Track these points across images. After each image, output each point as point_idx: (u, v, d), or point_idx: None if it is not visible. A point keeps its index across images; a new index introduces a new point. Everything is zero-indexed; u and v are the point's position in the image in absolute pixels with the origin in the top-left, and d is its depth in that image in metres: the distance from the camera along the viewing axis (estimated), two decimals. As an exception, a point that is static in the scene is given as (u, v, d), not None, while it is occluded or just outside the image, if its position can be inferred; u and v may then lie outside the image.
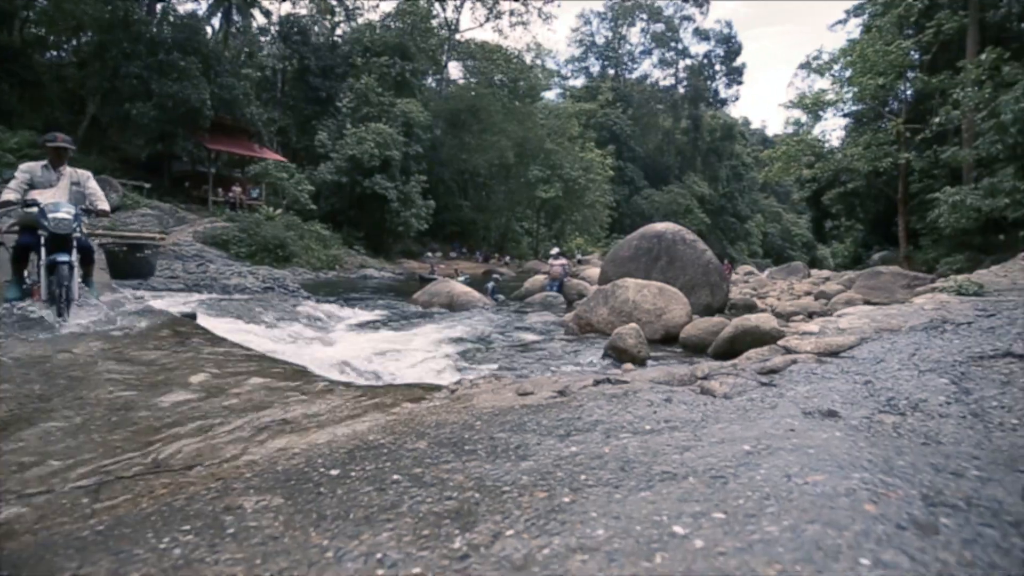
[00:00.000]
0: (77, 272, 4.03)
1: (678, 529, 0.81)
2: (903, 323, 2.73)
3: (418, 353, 5.56)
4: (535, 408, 1.94)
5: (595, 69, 52.37)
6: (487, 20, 36.59)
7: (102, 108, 20.68)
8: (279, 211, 20.99)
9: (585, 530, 0.83)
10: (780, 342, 2.87)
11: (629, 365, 4.29)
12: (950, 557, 0.70)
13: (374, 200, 25.08)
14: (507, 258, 33.73)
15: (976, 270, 10.90)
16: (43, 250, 3.88)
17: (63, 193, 4.18)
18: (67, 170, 4.33)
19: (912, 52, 17.05)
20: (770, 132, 58.40)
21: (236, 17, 26.85)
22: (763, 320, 6.21)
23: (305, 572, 0.77)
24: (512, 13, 36.10)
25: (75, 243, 4.02)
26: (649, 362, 4.79)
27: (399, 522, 0.93)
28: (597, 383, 2.38)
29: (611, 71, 51.40)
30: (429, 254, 29.62)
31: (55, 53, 23.63)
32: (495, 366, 4.78)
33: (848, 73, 17.78)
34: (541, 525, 0.86)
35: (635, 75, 51.40)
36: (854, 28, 21.14)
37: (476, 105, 32.32)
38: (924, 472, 0.99)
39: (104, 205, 4.37)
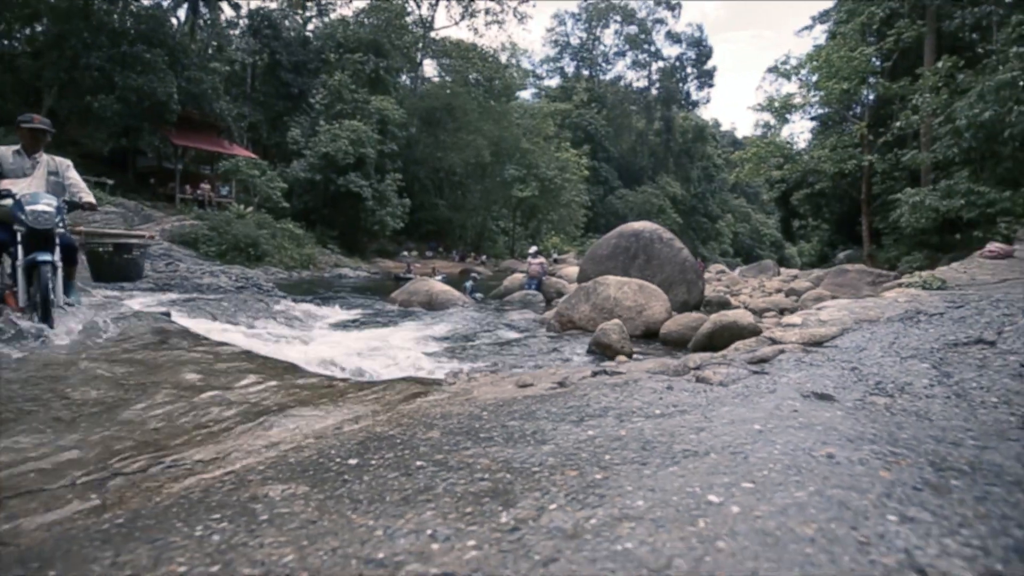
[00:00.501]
0: (60, 273, 3.54)
1: (713, 498, 0.86)
2: (880, 314, 2.87)
3: (403, 351, 5.53)
4: (540, 398, 1.98)
5: (570, 69, 52.80)
6: (462, 18, 36.49)
7: (60, 100, 19.79)
8: (250, 209, 20.50)
9: (625, 501, 0.87)
10: (766, 333, 2.98)
11: (623, 357, 4.37)
12: (967, 511, 0.76)
13: (348, 198, 24.73)
14: (483, 257, 33.70)
15: (935, 267, 11.48)
16: (19, 249, 3.37)
17: (39, 183, 3.65)
18: (43, 157, 3.78)
19: (874, 59, 17.75)
20: (740, 134, 59.92)
21: (203, 9, 26.08)
22: (740, 316, 6.41)
23: (359, 549, 0.79)
24: (487, 12, 36.10)
25: (57, 240, 3.53)
26: (633, 357, 4.88)
27: (439, 502, 0.96)
28: (595, 374, 2.43)
29: (585, 72, 51.89)
30: (405, 253, 29.36)
31: (6, 42, 22.49)
32: (483, 362, 4.80)
33: (815, 78, 18.41)
34: (581, 499, 0.90)
35: (609, 76, 52.05)
36: (820, 34, 21.95)
37: (452, 103, 32.19)
38: (926, 443, 1.07)
39: (89, 197, 3.87)
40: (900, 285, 5.78)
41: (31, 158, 3.72)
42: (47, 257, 3.36)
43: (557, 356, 5.66)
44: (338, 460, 1.45)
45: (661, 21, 49.15)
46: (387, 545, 0.79)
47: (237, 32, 30.51)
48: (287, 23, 31.35)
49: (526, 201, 35.46)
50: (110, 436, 1.91)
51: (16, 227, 3.38)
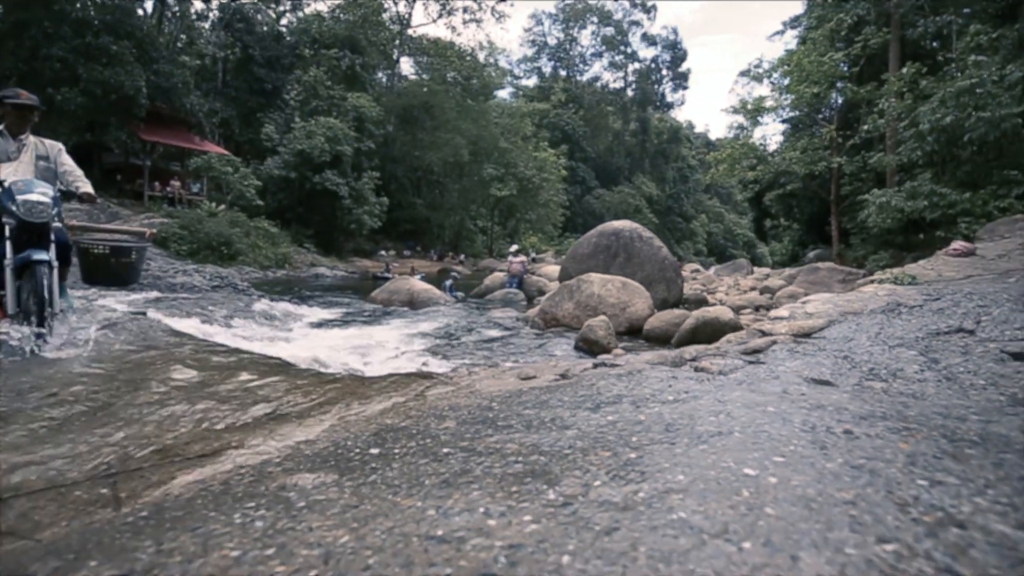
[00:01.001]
0: (56, 275, 3.07)
1: (749, 471, 0.90)
2: (864, 307, 2.99)
3: (391, 348, 5.50)
4: (547, 389, 2.01)
5: (547, 69, 53.05)
6: (440, 16, 36.29)
7: (19, 93, 18.91)
8: (222, 207, 20.00)
9: (666, 476, 0.90)
10: (755, 326, 3.08)
11: (619, 350, 4.44)
12: (988, 475, 0.82)
13: (324, 197, 24.35)
14: (462, 257, 33.62)
15: (900, 265, 11.96)
16: (8, 245, 2.89)
17: (27, 169, 3.17)
18: (31, 139, 3.29)
19: (842, 64, 18.36)
20: (713, 136, 61.15)
21: (171, 0, 25.30)
22: (722, 312, 6.57)
23: (415, 528, 0.80)
24: (465, 10, 35.96)
25: (52, 237, 3.08)
26: (618, 352, 4.96)
27: (481, 483, 0.97)
28: (596, 366, 2.48)
29: (563, 72, 52.22)
30: (383, 252, 29.07)
31: (-40, 31, 21.38)
32: (473, 358, 4.80)
33: (786, 81, 18.95)
34: (623, 476, 0.93)
35: (586, 77, 52.52)
36: (791, 39, 22.58)
37: (430, 102, 32.00)
38: (934, 419, 1.14)
39: (87, 188, 3.40)
40: (873, 281, 6.02)
41: (16, 140, 3.22)
42: (43, 256, 2.93)
43: (544, 352, 5.70)
44: (357, 450, 1.45)
45: (637, 23, 49.88)
46: (443, 523, 0.80)
47: (207, 25, 29.71)
48: (259, 17, 30.65)
49: (504, 200, 35.52)
50: (110, 435, 1.87)
51: (4, 220, 2.92)
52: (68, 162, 3.43)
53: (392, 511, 0.89)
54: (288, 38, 31.05)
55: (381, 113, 29.43)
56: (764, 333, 2.86)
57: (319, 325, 7.70)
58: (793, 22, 22.57)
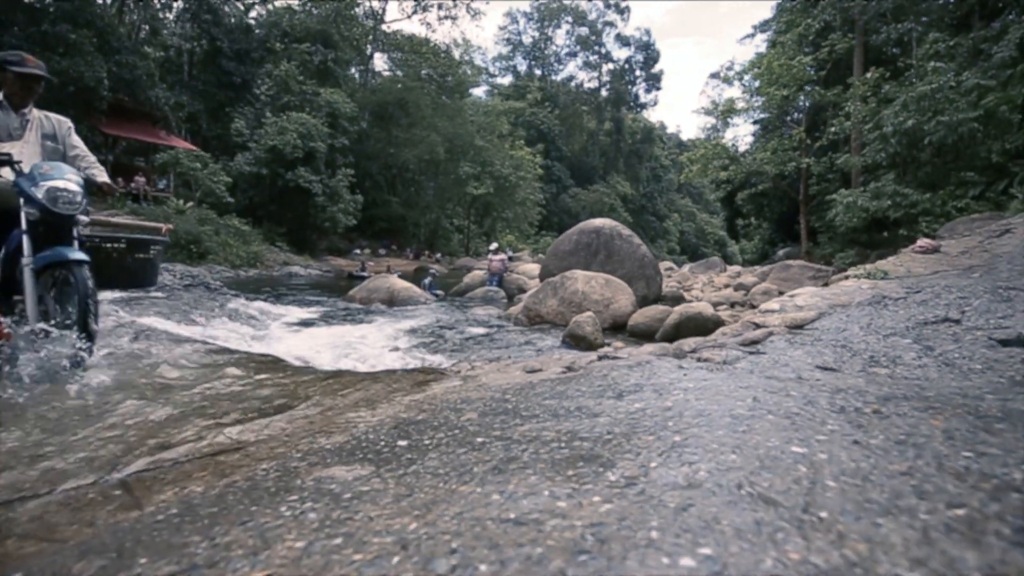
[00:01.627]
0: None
1: (797, 449, 0.93)
2: (851, 300, 3.11)
3: (379, 346, 5.43)
4: (560, 380, 2.02)
5: (522, 68, 53.14)
6: (415, 12, 35.92)
7: (-31, 82, 17.92)
8: (191, 204, 19.37)
9: (720, 457, 0.92)
10: (748, 318, 3.16)
11: (619, 343, 4.49)
12: (1019, 445, 0.87)
13: (297, 194, 23.85)
14: (438, 255, 33.42)
15: (865, 263, 12.44)
16: (26, 242, 2.40)
17: (34, 151, 2.73)
18: (35, 114, 2.81)
19: (809, 68, 18.96)
20: (684, 136, 62.33)
21: (134, -11, 24.35)
22: (703, 308, 6.72)
23: (485, 512, 0.79)
24: (440, 7, 35.69)
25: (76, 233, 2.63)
26: (618, 345, 5.01)
27: (534, 468, 0.97)
28: (601, 358, 2.50)
29: (538, 71, 52.39)
30: (357, 251, 28.64)
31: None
32: (464, 355, 4.78)
33: (757, 84, 19.47)
34: (676, 457, 0.95)
35: (561, 76, 52.82)
36: (761, 43, 23.19)
37: (404, 98, 31.68)
38: (954, 399, 1.20)
39: (104, 176, 2.96)
40: (848, 276, 6.26)
41: (19, 114, 2.73)
42: (79, 255, 2.43)
43: (533, 348, 5.73)
44: (383, 443, 1.44)
45: (611, 24, 50.42)
46: (512, 507, 0.80)
47: (172, 15, 28.70)
48: (227, 9, 29.76)
49: (481, 199, 35.45)
50: (112, 435, 1.80)
51: (26, 211, 2.40)
52: (79, 144, 2.95)
53: (452, 498, 0.88)
54: (258, 31, 30.25)
55: (355, 109, 28.99)
56: (758, 325, 2.94)
57: (301, 324, 7.55)
58: (763, 26, 23.20)
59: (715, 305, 10.20)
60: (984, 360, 1.72)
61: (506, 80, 52.19)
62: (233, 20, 29.48)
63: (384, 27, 36.40)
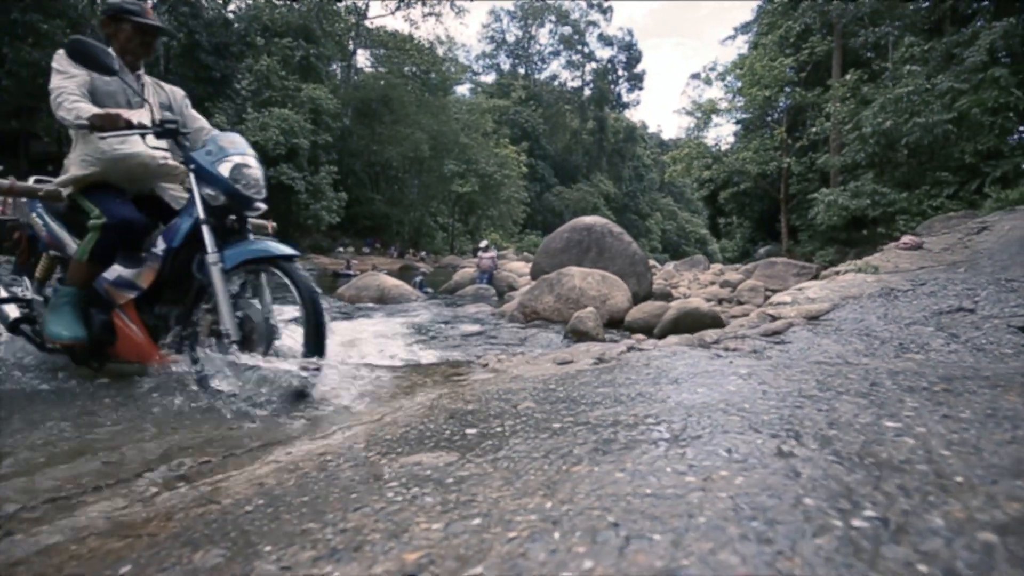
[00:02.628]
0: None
1: (891, 424, 0.97)
2: (860, 292, 3.21)
3: (382, 342, 5.38)
4: (601, 371, 2.04)
5: (506, 66, 53.16)
6: (398, 8, 35.58)
7: (-67, 73, 17.24)
8: (171, 201, 18.87)
9: (821, 433, 0.95)
10: (762, 310, 3.23)
11: (641, 336, 4.54)
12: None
13: (279, 191, 23.47)
14: (423, 254, 33.22)
15: (844, 260, 12.83)
16: (207, 235, 1.91)
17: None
18: (148, 80, 2.37)
19: (790, 69, 19.39)
20: (666, 136, 63.08)
21: (108, -21, 23.56)
22: (699, 303, 6.83)
23: (617, 489, 0.80)
24: (424, 3, 35.44)
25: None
26: (640, 337, 5.06)
27: (638, 448, 0.99)
28: (630, 350, 2.53)
29: (521, 70, 52.47)
30: (341, 249, 28.31)
31: None
32: (469, 351, 4.78)
33: (739, 84, 19.84)
34: (779, 434, 0.98)
35: (544, 75, 52.98)
36: (742, 44, 23.62)
37: (388, 95, 31.41)
38: (1016, 378, 1.26)
39: None
40: (839, 273, 6.46)
41: (134, 75, 2.28)
42: (287, 249, 2.00)
43: (534, 344, 5.75)
44: (449, 431, 1.44)
45: (594, 23, 50.75)
46: (644, 483, 0.81)
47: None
48: (205, 2, 29.06)
49: (465, 197, 35.35)
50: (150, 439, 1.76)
51: (207, 192, 1.96)
52: (200, 118, 2.51)
53: (571, 478, 0.89)
54: (237, 25, 29.63)
55: (338, 106, 28.62)
56: (774, 317, 3.02)
57: (290, 322, 7.43)
58: (744, 28, 23.63)
59: (705, 301, 10.39)
60: (1012, 345, 1.81)
61: (490, 78, 52.19)
62: (212, 13, 28.81)
63: (367, 23, 36.01)
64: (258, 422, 1.74)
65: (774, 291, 10.83)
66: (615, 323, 7.44)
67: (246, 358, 1.88)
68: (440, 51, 37.48)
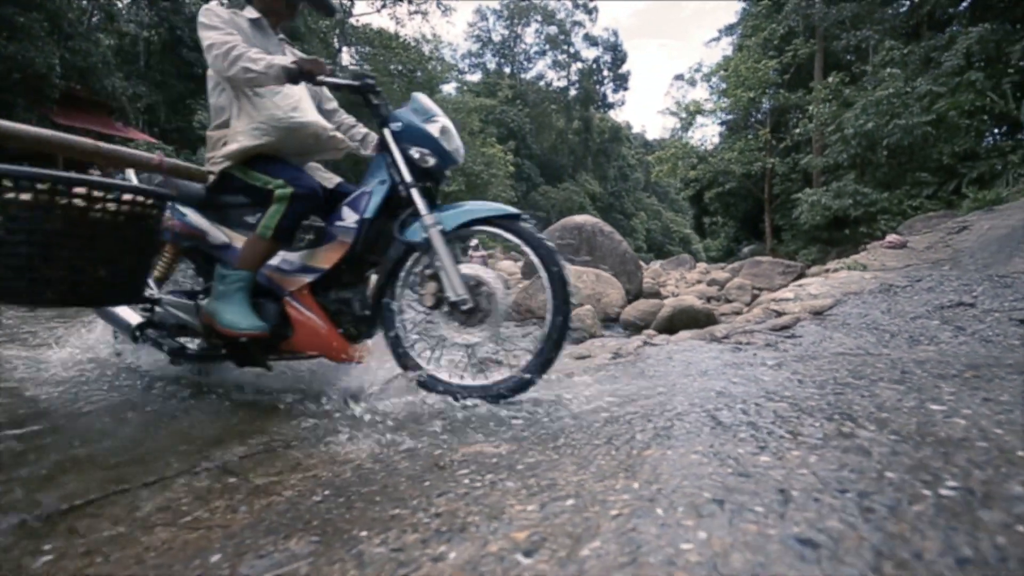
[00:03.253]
0: None
1: (937, 407, 1.03)
2: (860, 288, 3.31)
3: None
4: (622, 365, 2.09)
5: (492, 65, 53.12)
6: (384, 6, 35.30)
7: (-99, 66, 16.61)
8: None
9: (872, 416, 1.01)
10: (766, 306, 3.32)
11: (652, 332, 4.59)
12: None
13: (266, 189, 23.10)
14: (410, 252, 33.00)
15: (827, 260, 13.16)
16: (417, 197, 1.73)
17: (300, 91, 1.98)
18: (287, 47, 2.16)
19: (774, 71, 19.76)
20: (650, 136, 63.64)
21: (85, -28, 22.98)
22: (693, 301, 6.94)
23: (701, 470, 0.83)
24: (411, 1, 35.21)
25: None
26: (651, 333, 5.12)
27: (702, 435, 1.01)
28: (646, 344, 2.59)
29: (507, 69, 52.49)
30: (328, 248, 27.97)
31: None
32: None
33: (724, 86, 20.15)
34: (833, 415, 1.03)
35: (530, 75, 53.03)
36: (727, 46, 23.99)
37: (375, 93, 31.08)
38: (1022, 364, 1.33)
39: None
40: (828, 271, 6.65)
41: (278, 39, 2.11)
42: (513, 208, 1.76)
43: (534, 340, 5.80)
44: (494, 422, 1.47)
45: (579, 24, 50.95)
46: (720, 463, 0.85)
47: (126, 1, 27.25)
48: (186, -4, 28.49)
49: (452, 196, 35.21)
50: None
51: (420, 151, 1.78)
52: (333, 98, 2.31)
53: (648, 462, 0.90)
54: (219, 20, 29.05)
55: (324, 103, 28.25)
56: (778, 313, 3.10)
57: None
58: (728, 30, 24.01)
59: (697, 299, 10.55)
60: (1018, 337, 1.90)
61: (476, 77, 52.08)
62: (194, 8, 28.25)
63: (352, 21, 35.66)
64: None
65: (761, 290, 11.04)
66: (610, 320, 7.53)
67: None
68: (426, 49, 37.31)
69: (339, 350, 1.77)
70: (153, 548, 0.95)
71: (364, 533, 0.84)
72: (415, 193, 1.72)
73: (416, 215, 1.71)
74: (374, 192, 1.80)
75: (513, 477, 0.97)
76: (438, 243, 1.67)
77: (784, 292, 3.53)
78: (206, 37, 1.77)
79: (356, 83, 1.85)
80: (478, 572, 0.67)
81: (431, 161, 1.77)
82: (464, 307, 1.66)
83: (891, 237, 8.05)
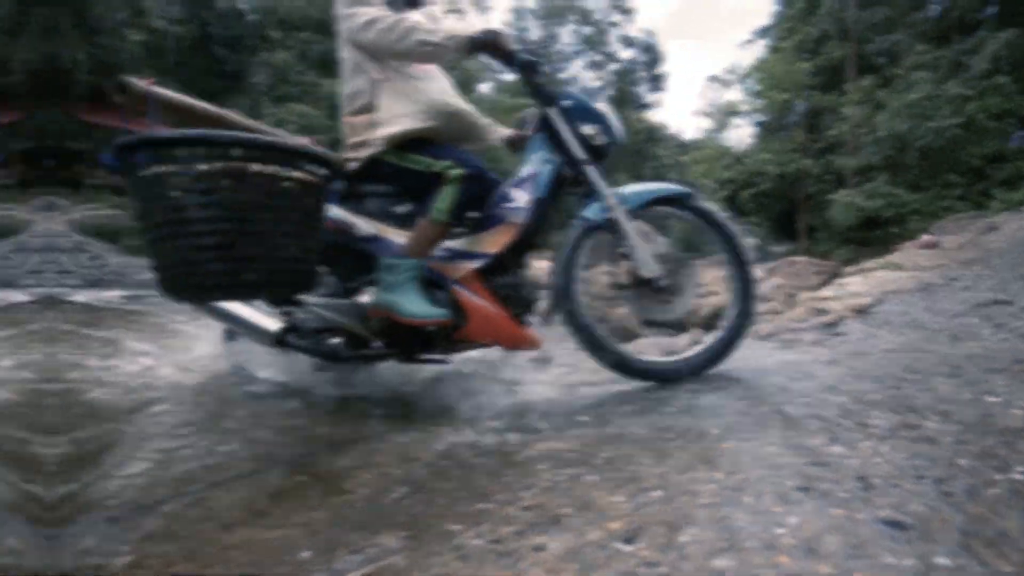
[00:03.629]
0: None
1: (992, 399, 1.18)
2: (899, 287, 3.46)
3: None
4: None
5: (523, 65, 52.91)
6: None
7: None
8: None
9: (944, 406, 1.15)
10: (809, 304, 3.48)
11: (698, 329, 4.81)
12: None
13: (299, 186, 23.66)
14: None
15: (859, 260, 13.00)
16: (594, 176, 1.68)
17: (442, 73, 1.94)
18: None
19: (808, 73, 19.60)
20: (686, 137, 62.78)
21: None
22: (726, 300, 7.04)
23: (787, 460, 0.89)
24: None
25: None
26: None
27: (773, 428, 1.10)
28: (694, 343, 2.79)
29: (544, 69, 52.21)
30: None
31: None
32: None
33: (759, 87, 20.11)
34: (902, 405, 1.19)
35: (566, 75, 52.78)
36: (761, 48, 23.77)
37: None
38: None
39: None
40: (862, 270, 6.73)
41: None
42: (687, 189, 1.79)
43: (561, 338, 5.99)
44: (562, 418, 1.47)
45: (616, 24, 50.52)
46: (796, 453, 0.94)
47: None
48: (217, -7, 29.09)
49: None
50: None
51: (589, 131, 1.70)
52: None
53: (726, 454, 1.01)
54: (251, 17, 29.74)
55: (356, 102, 28.71)
56: (821, 311, 3.26)
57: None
58: (762, 32, 23.76)
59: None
60: (1057, 333, 2.06)
61: (512, 77, 51.83)
62: (225, 4, 28.88)
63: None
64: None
65: (798, 289, 11.02)
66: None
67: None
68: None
69: (518, 338, 1.71)
70: (237, 547, 0.89)
71: (456, 527, 0.85)
72: (593, 172, 1.67)
73: (590, 195, 1.69)
74: (541, 172, 1.72)
75: (592, 471, 1.00)
76: (624, 221, 1.65)
77: (825, 291, 3.67)
78: (362, 13, 1.64)
79: (533, 59, 1.71)
80: (582, 560, 0.69)
81: (602, 139, 1.71)
82: (659, 283, 1.67)
83: (925, 237, 8.01)
